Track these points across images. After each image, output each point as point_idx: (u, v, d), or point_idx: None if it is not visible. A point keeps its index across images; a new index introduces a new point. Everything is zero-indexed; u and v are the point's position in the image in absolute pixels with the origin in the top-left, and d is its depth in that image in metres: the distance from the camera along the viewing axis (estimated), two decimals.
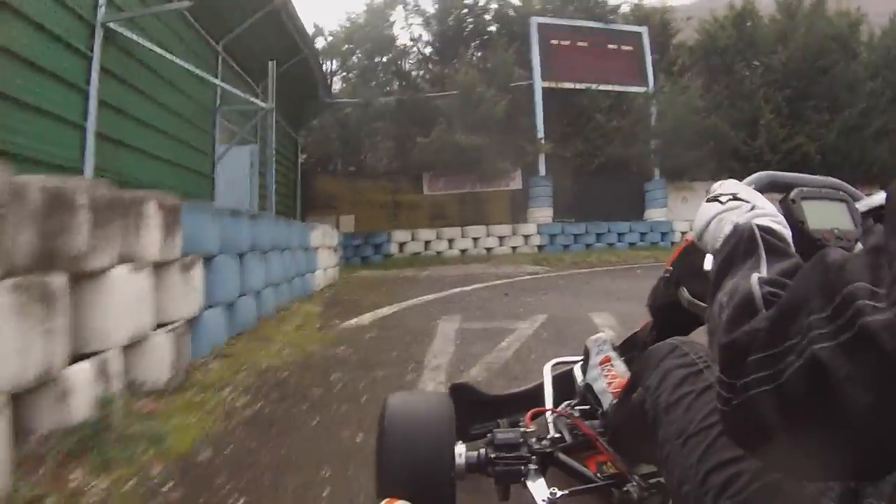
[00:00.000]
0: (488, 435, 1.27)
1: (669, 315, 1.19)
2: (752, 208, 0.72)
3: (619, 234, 13.58)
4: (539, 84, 13.84)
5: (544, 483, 1.16)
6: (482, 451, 1.23)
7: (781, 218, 0.72)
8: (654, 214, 14.08)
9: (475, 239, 13.25)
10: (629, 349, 1.42)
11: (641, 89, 14.21)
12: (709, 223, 0.75)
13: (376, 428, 1.20)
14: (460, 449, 1.21)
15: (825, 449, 0.46)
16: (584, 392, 1.39)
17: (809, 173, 0.93)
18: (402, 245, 13.11)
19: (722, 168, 14.29)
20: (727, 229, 0.70)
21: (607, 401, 1.29)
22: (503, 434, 1.24)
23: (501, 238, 13.34)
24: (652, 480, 1.07)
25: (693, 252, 0.99)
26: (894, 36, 14.90)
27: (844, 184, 0.90)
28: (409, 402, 1.33)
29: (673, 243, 13.75)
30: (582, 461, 1.24)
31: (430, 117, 13.99)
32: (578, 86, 14.01)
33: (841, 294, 0.43)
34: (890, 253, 0.43)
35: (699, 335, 0.90)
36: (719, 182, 0.81)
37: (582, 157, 13.71)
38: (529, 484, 1.17)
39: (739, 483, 0.68)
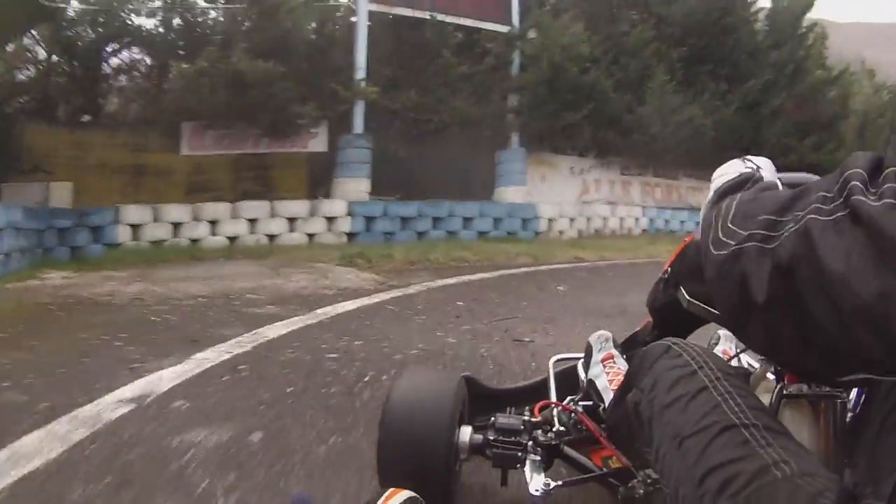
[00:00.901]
0: (492, 419, 1.31)
1: (669, 316, 1.20)
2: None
3: (466, 220, 9.71)
4: (364, 6, 9.73)
5: (543, 474, 1.17)
6: (486, 434, 1.27)
7: None
8: (508, 194, 10.37)
9: (252, 221, 8.76)
10: (630, 348, 1.42)
11: (504, 28, 10.58)
12: (725, 172, 0.81)
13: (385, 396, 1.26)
14: (466, 430, 1.26)
15: (797, 331, 0.52)
16: (587, 388, 1.40)
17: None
18: (136, 228, 8.33)
19: (597, 140, 11.09)
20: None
21: (609, 397, 1.30)
22: (504, 419, 1.28)
23: (293, 221, 8.95)
24: (656, 476, 1.02)
25: (692, 252, 0.99)
26: (802, 3, 12.71)
27: None
28: (420, 378, 1.46)
29: (537, 233, 10.18)
30: (587, 455, 1.25)
31: (202, 42, 9.43)
32: (418, 14, 10.06)
33: (843, 176, 0.50)
34: (888, 163, 0.49)
35: (699, 337, 1.02)
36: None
37: (417, 110, 9.69)
38: (527, 472, 1.18)
39: (736, 485, 0.65)
